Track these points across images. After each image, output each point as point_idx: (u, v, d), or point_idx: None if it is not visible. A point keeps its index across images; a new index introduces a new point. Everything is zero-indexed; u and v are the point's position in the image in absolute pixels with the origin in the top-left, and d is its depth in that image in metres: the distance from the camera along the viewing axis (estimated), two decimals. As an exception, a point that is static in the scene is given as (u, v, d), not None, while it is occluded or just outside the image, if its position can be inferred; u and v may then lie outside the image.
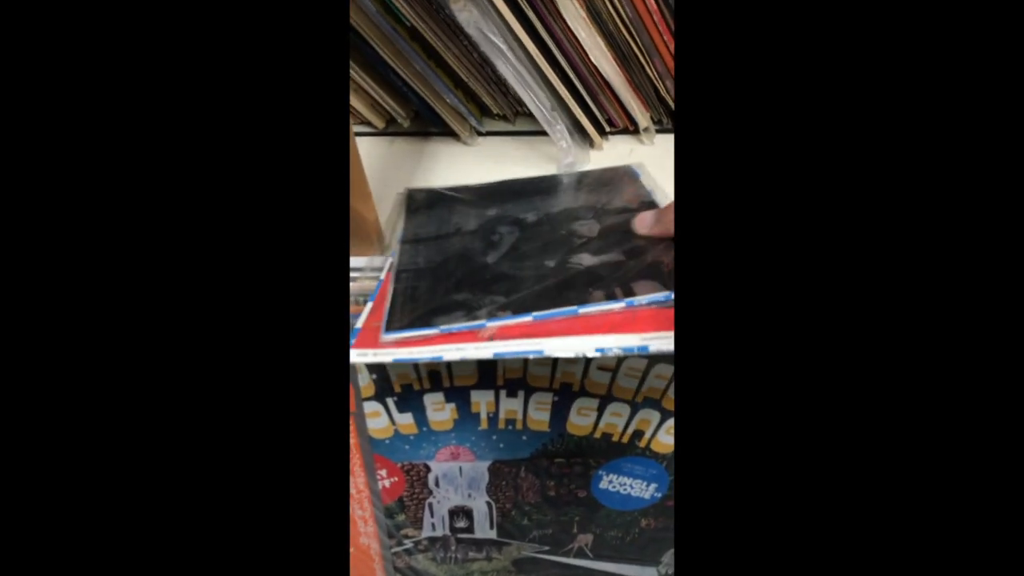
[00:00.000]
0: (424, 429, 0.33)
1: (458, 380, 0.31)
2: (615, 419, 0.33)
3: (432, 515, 0.37)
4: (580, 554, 0.39)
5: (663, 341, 0.28)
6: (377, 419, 0.33)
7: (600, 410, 0.32)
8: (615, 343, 0.28)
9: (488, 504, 0.36)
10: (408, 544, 0.38)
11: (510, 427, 0.33)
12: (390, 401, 0.32)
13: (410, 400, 0.32)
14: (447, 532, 0.38)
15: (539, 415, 0.33)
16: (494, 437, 0.33)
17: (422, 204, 0.45)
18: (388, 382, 0.32)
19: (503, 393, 0.32)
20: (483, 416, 0.33)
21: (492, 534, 0.38)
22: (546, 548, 0.39)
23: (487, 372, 0.31)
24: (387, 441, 0.34)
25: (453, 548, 0.39)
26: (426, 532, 0.38)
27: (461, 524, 0.37)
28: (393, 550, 0.38)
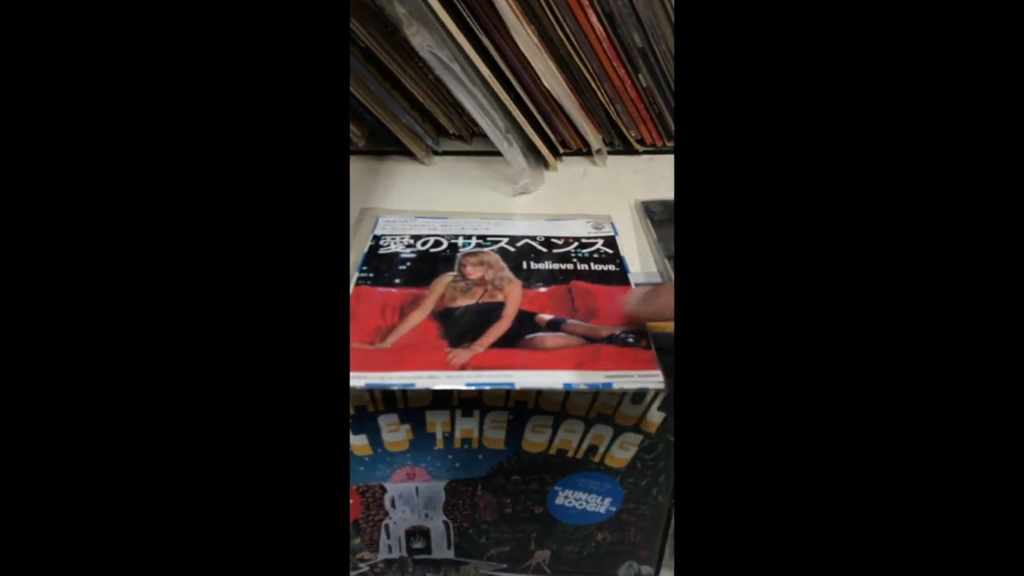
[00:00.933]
0: (379, 450, 0.33)
1: (412, 401, 0.31)
2: (569, 435, 0.33)
3: (388, 537, 0.37)
4: (538, 570, 0.39)
5: (626, 379, 0.30)
6: (331, 442, 0.32)
7: (555, 427, 0.33)
8: (581, 379, 0.30)
9: (445, 523, 0.36)
10: (364, 568, 0.38)
11: (466, 446, 0.33)
12: (344, 423, 0.32)
13: (364, 422, 0.32)
14: (404, 553, 0.37)
15: (495, 433, 0.33)
16: (450, 456, 0.34)
17: (665, 217, 0.45)
18: (342, 404, 0.31)
19: (458, 413, 0.32)
20: (439, 436, 0.33)
21: (450, 554, 0.38)
22: (504, 566, 0.39)
23: (442, 393, 0.31)
24: (342, 464, 0.33)
25: (410, 569, 0.38)
26: (382, 554, 0.37)
27: (418, 545, 0.37)
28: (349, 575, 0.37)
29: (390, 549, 0.37)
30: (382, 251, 0.41)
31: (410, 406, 0.31)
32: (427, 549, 0.37)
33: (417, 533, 0.36)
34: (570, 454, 0.34)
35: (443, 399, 0.31)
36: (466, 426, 0.32)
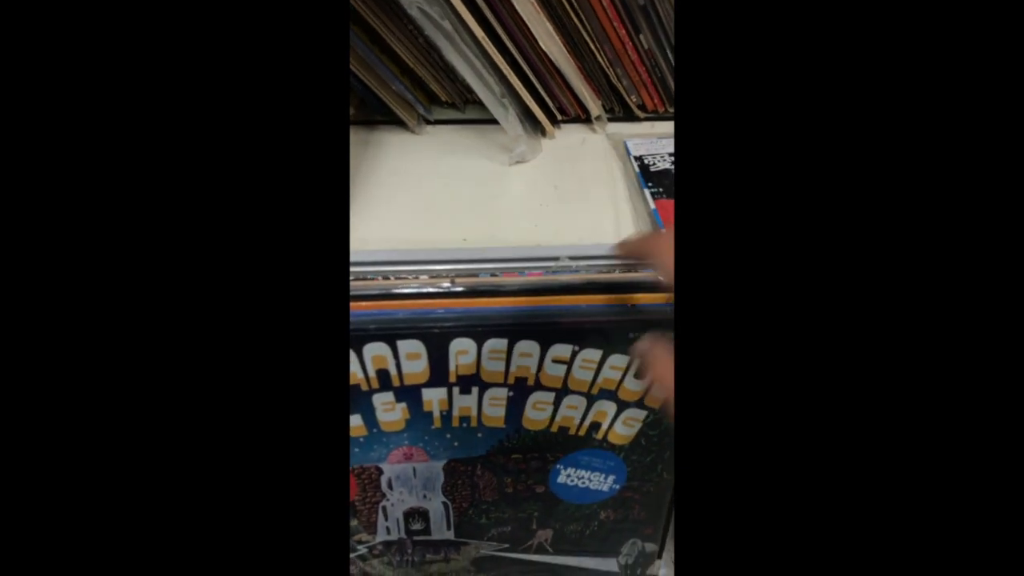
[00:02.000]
0: (374, 431, 0.32)
1: (408, 379, 0.30)
2: (571, 412, 0.32)
3: (386, 518, 0.36)
4: (540, 550, 0.38)
5: None
6: (324, 422, 0.31)
7: (556, 404, 0.32)
8: None
9: (444, 504, 0.35)
10: (362, 550, 0.37)
11: (464, 424, 0.32)
12: (337, 403, 0.31)
13: (358, 401, 0.30)
14: (403, 535, 0.36)
15: (494, 411, 0.32)
16: (448, 436, 0.32)
17: None
18: (334, 383, 0.30)
19: (456, 390, 0.30)
20: (436, 415, 0.31)
21: (450, 535, 0.37)
22: (505, 546, 0.38)
23: (438, 369, 0.30)
24: (335, 445, 0.32)
25: (409, 551, 0.37)
26: (380, 536, 0.36)
27: (417, 526, 0.36)
28: (346, 557, 0.37)
29: (388, 531, 0.36)
30: (653, 168, 0.41)
31: (405, 384, 0.30)
32: (426, 530, 0.36)
33: (416, 514, 0.35)
34: (572, 431, 0.33)
35: (440, 375, 0.30)
36: (464, 404, 0.31)
